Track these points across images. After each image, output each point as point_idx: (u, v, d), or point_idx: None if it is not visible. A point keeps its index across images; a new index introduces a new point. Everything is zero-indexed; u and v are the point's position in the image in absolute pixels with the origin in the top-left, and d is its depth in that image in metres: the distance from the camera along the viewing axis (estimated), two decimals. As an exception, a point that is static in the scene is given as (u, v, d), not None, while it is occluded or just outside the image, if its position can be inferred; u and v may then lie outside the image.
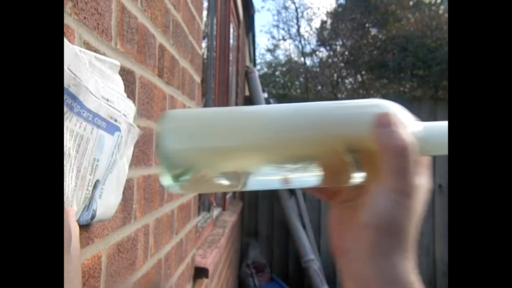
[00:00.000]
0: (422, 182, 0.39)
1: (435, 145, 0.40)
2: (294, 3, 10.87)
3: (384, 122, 0.37)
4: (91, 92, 0.48)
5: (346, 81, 8.94)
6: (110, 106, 0.53)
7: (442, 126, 0.40)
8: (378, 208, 0.37)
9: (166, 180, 0.38)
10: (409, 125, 0.38)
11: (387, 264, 0.36)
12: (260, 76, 6.04)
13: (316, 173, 0.40)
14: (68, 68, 0.44)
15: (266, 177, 0.41)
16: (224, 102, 3.11)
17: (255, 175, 0.41)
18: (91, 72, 0.50)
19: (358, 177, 0.40)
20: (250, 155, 0.39)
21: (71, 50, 0.45)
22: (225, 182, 0.41)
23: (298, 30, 9.82)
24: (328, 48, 8.91)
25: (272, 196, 4.27)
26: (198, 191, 0.47)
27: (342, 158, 0.39)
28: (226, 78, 3.19)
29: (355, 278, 0.38)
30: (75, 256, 0.37)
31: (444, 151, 0.40)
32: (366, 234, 0.37)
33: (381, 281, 0.36)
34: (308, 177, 0.40)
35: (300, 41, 9.61)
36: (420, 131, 0.39)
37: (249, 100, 4.28)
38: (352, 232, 0.39)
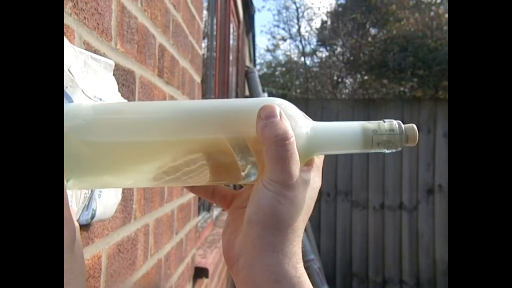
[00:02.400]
0: (310, 177, 0.38)
1: (321, 144, 0.39)
2: (294, 3, 10.88)
3: (266, 114, 0.36)
4: (83, 92, 0.49)
5: (346, 81, 8.95)
6: None
7: (329, 126, 0.40)
8: (261, 202, 0.36)
9: None
10: (298, 123, 0.38)
11: (273, 260, 0.36)
12: (260, 76, 6.04)
13: (207, 170, 0.40)
14: (68, 70, 0.45)
15: (154, 174, 0.41)
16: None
17: (144, 173, 0.41)
18: (86, 72, 0.50)
19: (254, 176, 0.40)
20: (142, 153, 0.39)
21: (71, 52, 0.45)
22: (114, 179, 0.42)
23: (298, 30, 9.82)
24: (328, 48, 8.91)
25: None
26: (88, 187, 0.48)
27: (231, 155, 0.38)
28: (226, 78, 3.20)
29: (246, 284, 0.37)
30: (79, 255, 0.36)
31: (330, 151, 0.40)
32: (252, 231, 0.36)
33: (269, 280, 0.35)
34: (200, 175, 0.40)
35: (300, 41, 9.62)
36: (308, 131, 0.39)
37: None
38: (240, 235, 0.38)
